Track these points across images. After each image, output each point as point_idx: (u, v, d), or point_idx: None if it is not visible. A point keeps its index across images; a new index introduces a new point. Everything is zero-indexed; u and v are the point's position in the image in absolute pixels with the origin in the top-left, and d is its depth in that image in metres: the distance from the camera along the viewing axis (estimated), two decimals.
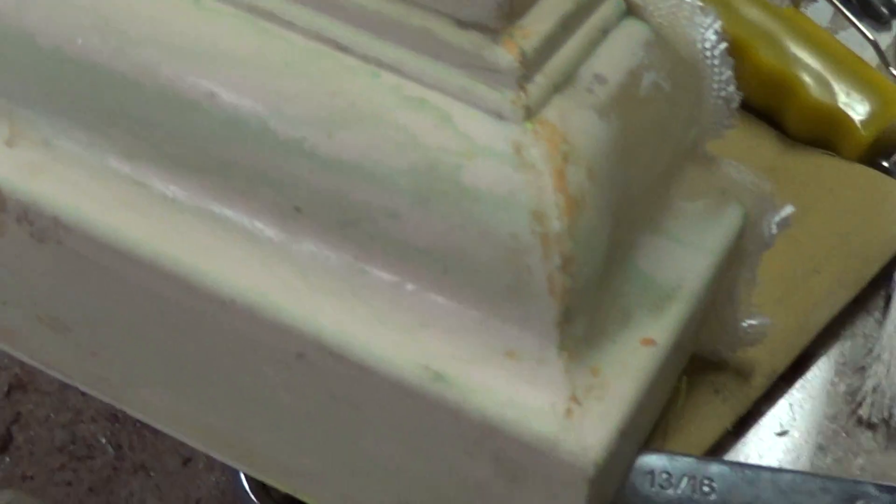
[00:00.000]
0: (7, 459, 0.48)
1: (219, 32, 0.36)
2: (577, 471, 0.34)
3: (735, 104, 0.43)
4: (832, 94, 0.56)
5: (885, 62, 0.58)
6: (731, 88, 0.42)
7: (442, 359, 0.35)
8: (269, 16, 0.36)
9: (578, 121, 0.36)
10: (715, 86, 0.42)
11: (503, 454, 0.35)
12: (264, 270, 0.36)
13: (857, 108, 0.56)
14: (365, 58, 0.36)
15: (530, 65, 0.35)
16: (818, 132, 0.58)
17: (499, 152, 0.34)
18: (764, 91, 0.58)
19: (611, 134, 0.36)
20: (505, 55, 0.34)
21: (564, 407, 0.35)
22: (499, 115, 0.35)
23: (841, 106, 0.56)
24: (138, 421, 0.48)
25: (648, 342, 0.37)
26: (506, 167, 0.34)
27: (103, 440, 0.49)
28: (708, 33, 0.41)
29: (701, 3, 0.41)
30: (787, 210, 0.44)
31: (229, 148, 0.36)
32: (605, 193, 0.36)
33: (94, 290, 0.39)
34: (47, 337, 0.42)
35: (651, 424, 0.45)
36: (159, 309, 0.38)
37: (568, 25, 0.37)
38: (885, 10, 0.63)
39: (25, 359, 0.44)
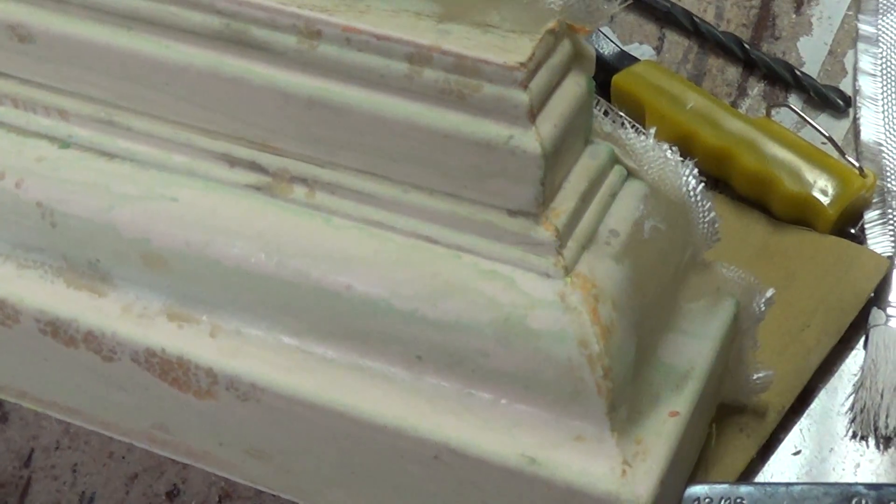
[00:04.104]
0: None
1: (347, 242, 0.46)
2: None
3: (717, 224, 0.51)
4: (803, 183, 0.63)
5: (840, 152, 0.65)
6: (713, 214, 0.51)
7: (533, 448, 0.45)
8: (379, 224, 0.46)
9: (602, 269, 0.45)
10: (701, 215, 0.51)
11: None
12: (402, 401, 0.46)
13: (823, 192, 0.63)
14: (449, 245, 0.45)
15: (563, 236, 0.44)
16: (797, 214, 0.65)
17: (550, 302, 0.44)
18: (751, 186, 0.65)
19: (626, 273, 0.46)
20: (544, 232, 0.44)
21: (620, 470, 0.45)
22: (546, 275, 0.44)
23: (811, 192, 0.63)
24: None
25: (674, 414, 0.47)
26: (556, 312, 0.44)
27: None
28: (689, 179, 0.50)
29: (681, 159, 0.50)
30: (770, 292, 0.53)
31: (365, 320, 0.46)
32: (627, 318, 0.45)
33: (285, 429, 0.49)
34: (253, 463, 0.51)
35: (691, 464, 0.55)
36: (331, 436, 0.48)
37: (586, 198, 0.46)
38: (840, 102, 0.69)
39: (237, 479, 0.53)
